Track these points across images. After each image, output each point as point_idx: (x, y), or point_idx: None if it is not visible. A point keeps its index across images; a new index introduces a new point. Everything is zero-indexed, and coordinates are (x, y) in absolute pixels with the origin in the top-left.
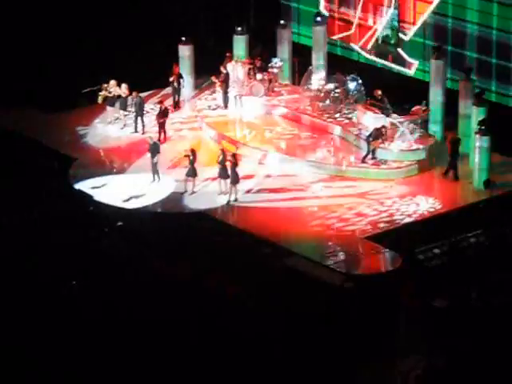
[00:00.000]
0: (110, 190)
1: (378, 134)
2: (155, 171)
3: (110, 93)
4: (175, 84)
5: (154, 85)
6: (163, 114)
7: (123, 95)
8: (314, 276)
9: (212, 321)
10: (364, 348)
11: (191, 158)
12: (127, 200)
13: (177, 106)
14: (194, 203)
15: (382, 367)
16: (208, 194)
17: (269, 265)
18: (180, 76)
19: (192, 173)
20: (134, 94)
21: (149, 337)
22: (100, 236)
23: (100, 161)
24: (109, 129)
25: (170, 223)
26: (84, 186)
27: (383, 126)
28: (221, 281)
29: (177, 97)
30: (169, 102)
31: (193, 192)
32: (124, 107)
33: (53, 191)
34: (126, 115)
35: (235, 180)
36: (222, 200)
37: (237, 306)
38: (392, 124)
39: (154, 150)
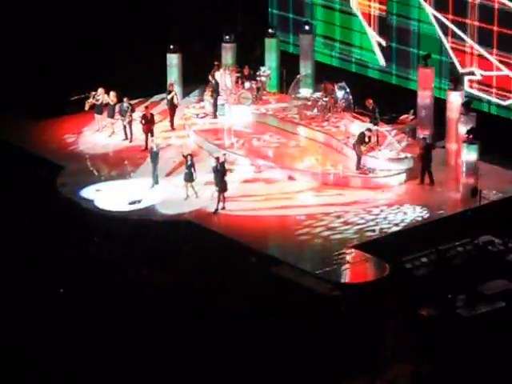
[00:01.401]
0: (102, 197)
1: (362, 138)
2: (153, 176)
3: (97, 100)
4: (174, 102)
5: (142, 93)
6: (150, 122)
7: (111, 103)
8: (300, 285)
9: (199, 328)
10: (352, 356)
11: (189, 162)
12: (118, 206)
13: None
14: (181, 210)
15: (369, 375)
16: (196, 201)
17: (255, 273)
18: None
19: (189, 177)
20: (125, 99)
21: (138, 342)
22: (89, 243)
23: (88, 169)
24: (97, 136)
25: (156, 230)
26: (77, 193)
27: (368, 129)
28: (207, 289)
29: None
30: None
31: (187, 196)
32: (112, 115)
33: (41, 200)
34: (113, 123)
35: (223, 188)
36: (209, 207)
37: (223, 313)
38: (379, 131)
39: (155, 156)
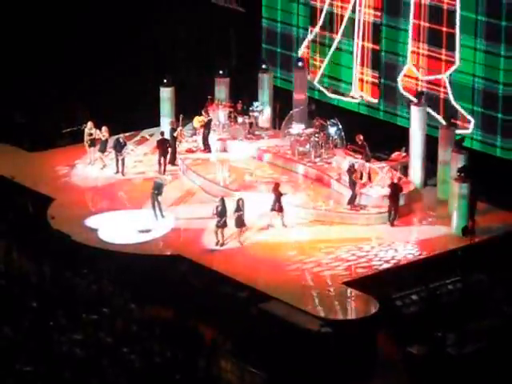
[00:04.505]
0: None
1: (350, 174)
2: (157, 209)
3: (90, 135)
4: (179, 140)
5: (133, 126)
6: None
7: (103, 138)
8: (290, 321)
9: (189, 364)
10: None
11: (280, 193)
12: (114, 239)
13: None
14: (172, 246)
15: None
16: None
17: (246, 309)
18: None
19: (278, 208)
20: (121, 136)
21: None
22: (78, 276)
23: (79, 201)
24: (89, 169)
25: (149, 265)
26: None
27: (352, 165)
28: (198, 324)
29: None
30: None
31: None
32: (103, 149)
33: (30, 232)
34: (103, 157)
35: (223, 224)
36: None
37: (213, 349)
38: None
39: (159, 188)
